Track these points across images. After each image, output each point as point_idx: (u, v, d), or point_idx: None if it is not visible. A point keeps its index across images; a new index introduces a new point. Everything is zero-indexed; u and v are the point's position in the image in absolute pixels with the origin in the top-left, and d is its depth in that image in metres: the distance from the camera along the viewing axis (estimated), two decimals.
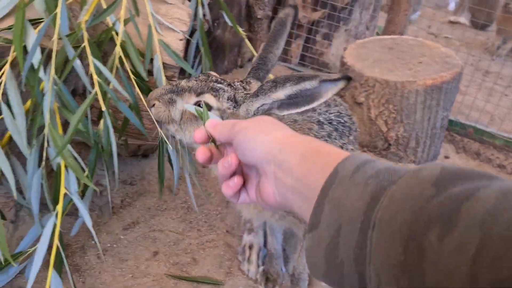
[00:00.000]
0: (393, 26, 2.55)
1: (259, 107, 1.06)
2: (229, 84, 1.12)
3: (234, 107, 1.10)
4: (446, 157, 2.50)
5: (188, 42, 1.55)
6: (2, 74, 1.15)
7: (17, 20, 1.08)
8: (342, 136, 1.34)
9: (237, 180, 0.72)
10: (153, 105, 1.10)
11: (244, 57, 3.01)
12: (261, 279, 1.56)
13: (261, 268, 1.58)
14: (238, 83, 1.14)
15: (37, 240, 1.33)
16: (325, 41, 3.11)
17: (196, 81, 1.11)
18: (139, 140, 1.54)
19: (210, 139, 0.76)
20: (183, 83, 1.11)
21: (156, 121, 1.12)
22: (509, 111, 2.77)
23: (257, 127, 0.70)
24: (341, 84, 0.95)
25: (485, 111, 2.86)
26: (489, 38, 4.51)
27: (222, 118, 1.09)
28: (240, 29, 1.82)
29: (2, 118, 1.15)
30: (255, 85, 1.16)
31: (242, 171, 0.74)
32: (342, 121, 1.38)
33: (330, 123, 1.33)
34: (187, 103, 1.09)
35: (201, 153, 0.75)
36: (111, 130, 1.14)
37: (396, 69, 2.18)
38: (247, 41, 1.88)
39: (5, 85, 1.15)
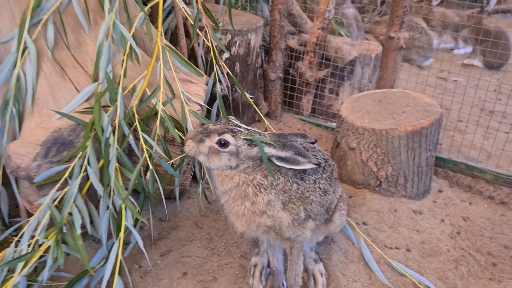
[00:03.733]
0: (383, 81, 3.21)
1: (266, 152, 1.73)
2: (247, 128, 1.78)
3: (249, 145, 1.74)
4: (440, 191, 3.05)
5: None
6: (87, 146, 1.90)
7: (96, 109, 1.84)
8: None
9: None
10: (187, 143, 1.78)
11: (261, 113, 3.73)
12: None
13: (268, 285, 2.18)
14: (255, 130, 1.80)
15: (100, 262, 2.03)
16: (332, 95, 3.80)
17: (220, 124, 1.79)
18: (171, 186, 2.25)
19: None
20: (211, 126, 1.79)
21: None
22: (505, 149, 3.30)
23: None
24: (313, 167, 1.75)
25: (483, 150, 3.43)
26: (499, 79, 5.05)
27: (238, 153, 1.73)
28: (248, 96, 2.53)
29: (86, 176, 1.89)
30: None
31: None
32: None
33: None
34: (211, 142, 1.75)
35: None
36: (157, 180, 1.86)
37: (382, 119, 2.82)
38: (259, 102, 2.58)
39: (88, 155, 1.89)
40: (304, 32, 3.91)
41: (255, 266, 2.26)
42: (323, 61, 3.61)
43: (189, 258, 2.35)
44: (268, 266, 2.28)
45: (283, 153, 1.75)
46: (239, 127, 1.79)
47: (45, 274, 1.81)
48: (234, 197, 1.84)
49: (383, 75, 3.23)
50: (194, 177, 2.82)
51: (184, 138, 1.88)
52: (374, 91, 3.20)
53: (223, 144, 1.74)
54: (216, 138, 1.75)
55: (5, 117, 1.99)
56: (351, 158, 2.85)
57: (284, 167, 1.79)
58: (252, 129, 1.82)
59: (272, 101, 3.70)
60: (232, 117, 1.86)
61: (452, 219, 2.80)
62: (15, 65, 2.01)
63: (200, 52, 2.53)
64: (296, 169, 1.85)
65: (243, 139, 1.75)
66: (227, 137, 1.74)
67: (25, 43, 2.02)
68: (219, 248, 2.43)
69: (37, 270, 1.94)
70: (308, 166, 1.76)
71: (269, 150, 1.74)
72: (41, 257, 1.89)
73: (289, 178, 1.86)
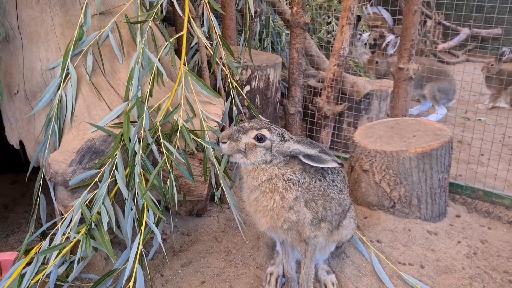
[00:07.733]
0: (396, 111, 3.42)
1: (294, 149, 1.96)
2: (278, 126, 2.03)
3: (281, 141, 1.98)
4: (458, 216, 3.13)
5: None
6: (116, 155, 2.18)
7: (125, 122, 2.13)
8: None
9: None
10: (225, 142, 1.99)
11: None
12: None
13: None
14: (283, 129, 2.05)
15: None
16: (351, 128, 4.02)
17: (254, 123, 2.03)
18: (190, 195, 2.47)
19: None
20: (246, 124, 2.02)
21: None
22: None
23: None
24: (337, 166, 1.96)
25: (502, 179, 3.50)
26: None
27: (272, 147, 1.96)
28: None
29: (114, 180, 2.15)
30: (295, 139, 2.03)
31: None
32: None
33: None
34: (249, 138, 1.97)
35: None
36: (174, 183, 2.09)
37: (393, 142, 3.00)
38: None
39: (116, 162, 2.17)
40: (322, 70, 4.21)
41: (271, 274, 2.41)
42: (340, 95, 3.87)
43: (207, 268, 2.52)
44: (283, 276, 2.42)
45: (309, 151, 1.95)
46: (271, 124, 2.03)
47: (75, 269, 2.03)
48: (265, 191, 2.02)
49: (396, 105, 3.44)
50: (213, 198, 3.05)
51: (219, 138, 2.07)
52: (387, 119, 3.40)
53: (260, 139, 1.97)
54: (254, 133, 1.97)
55: (48, 132, 2.32)
56: (365, 180, 3.02)
57: (308, 166, 1.99)
58: (281, 128, 2.06)
59: (292, 133, 3.93)
60: (262, 117, 2.11)
61: (470, 241, 2.87)
62: (58, 88, 2.37)
63: (218, 78, 2.84)
64: (317, 168, 2.05)
65: (277, 134, 1.99)
66: (264, 132, 1.97)
67: (67, 69, 2.39)
68: (236, 260, 2.59)
69: (66, 270, 2.17)
70: (332, 164, 1.95)
71: (297, 147, 1.96)
72: (71, 261, 2.13)
73: (313, 176, 2.06)
